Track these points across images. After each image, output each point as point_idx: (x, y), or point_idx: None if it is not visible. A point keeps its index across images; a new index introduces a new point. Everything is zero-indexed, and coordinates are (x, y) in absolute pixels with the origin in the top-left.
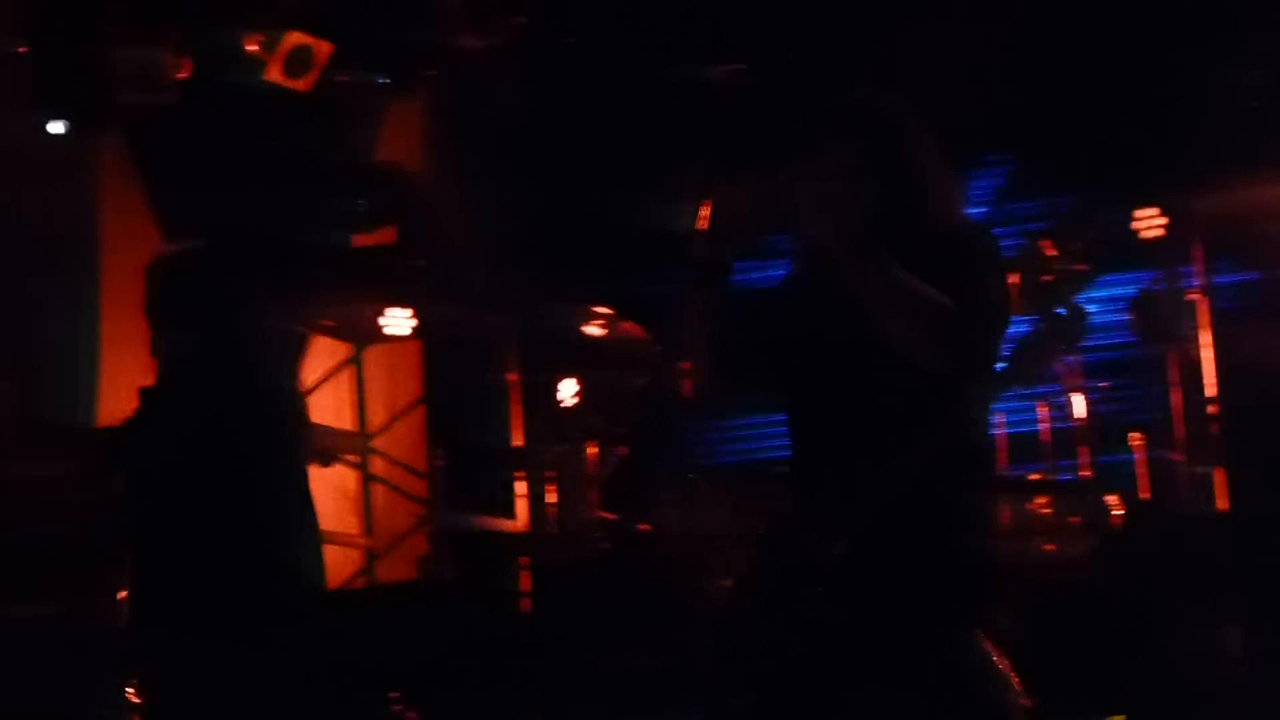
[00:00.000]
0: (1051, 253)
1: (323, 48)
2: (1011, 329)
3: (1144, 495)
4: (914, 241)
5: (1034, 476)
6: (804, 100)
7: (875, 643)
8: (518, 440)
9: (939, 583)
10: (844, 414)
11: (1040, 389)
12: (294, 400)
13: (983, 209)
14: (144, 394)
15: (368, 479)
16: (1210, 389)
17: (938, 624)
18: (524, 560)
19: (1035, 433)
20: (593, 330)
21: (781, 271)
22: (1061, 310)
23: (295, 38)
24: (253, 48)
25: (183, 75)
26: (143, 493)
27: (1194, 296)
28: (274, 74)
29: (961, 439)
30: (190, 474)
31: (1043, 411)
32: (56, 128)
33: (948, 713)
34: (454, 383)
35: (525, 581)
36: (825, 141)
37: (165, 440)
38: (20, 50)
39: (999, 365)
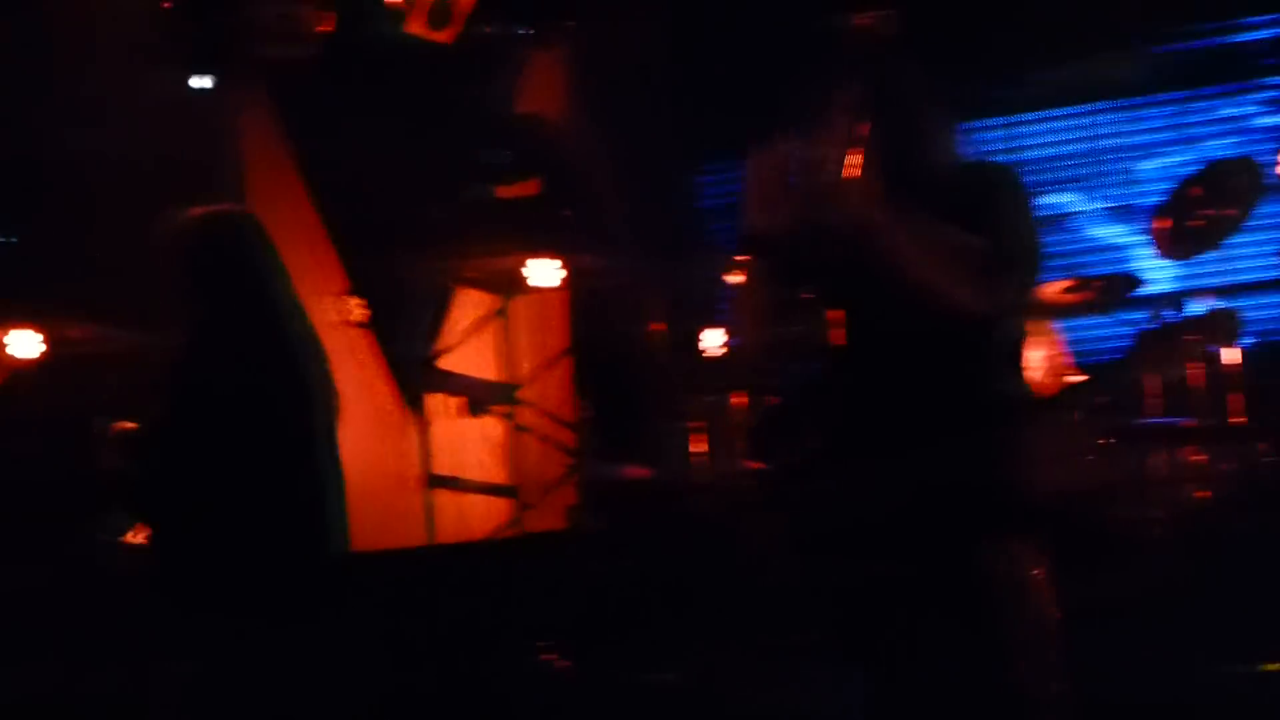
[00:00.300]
0: (1199, 196)
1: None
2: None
3: None
4: (935, 187)
5: (1186, 424)
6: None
7: (920, 568)
8: (665, 390)
9: (978, 507)
10: (881, 369)
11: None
12: (319, 371)
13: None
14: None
15: (516, 429)
16: None
17: (976, 541)
18: (672, 510)
19: (1187, 380)
20: (739, 279)
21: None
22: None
23: None
24: (395, 0)
25: (325, 29)
26: (161, 467)
27: None
28: (416, 26)
29: (998, 379)
30: (208, 447)
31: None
32: (201, 83)
33: (984, 624)
34: (601, 332)
35: (673, 531)
36: (840, 96)
37: (186, 420)
38: (165, 5)
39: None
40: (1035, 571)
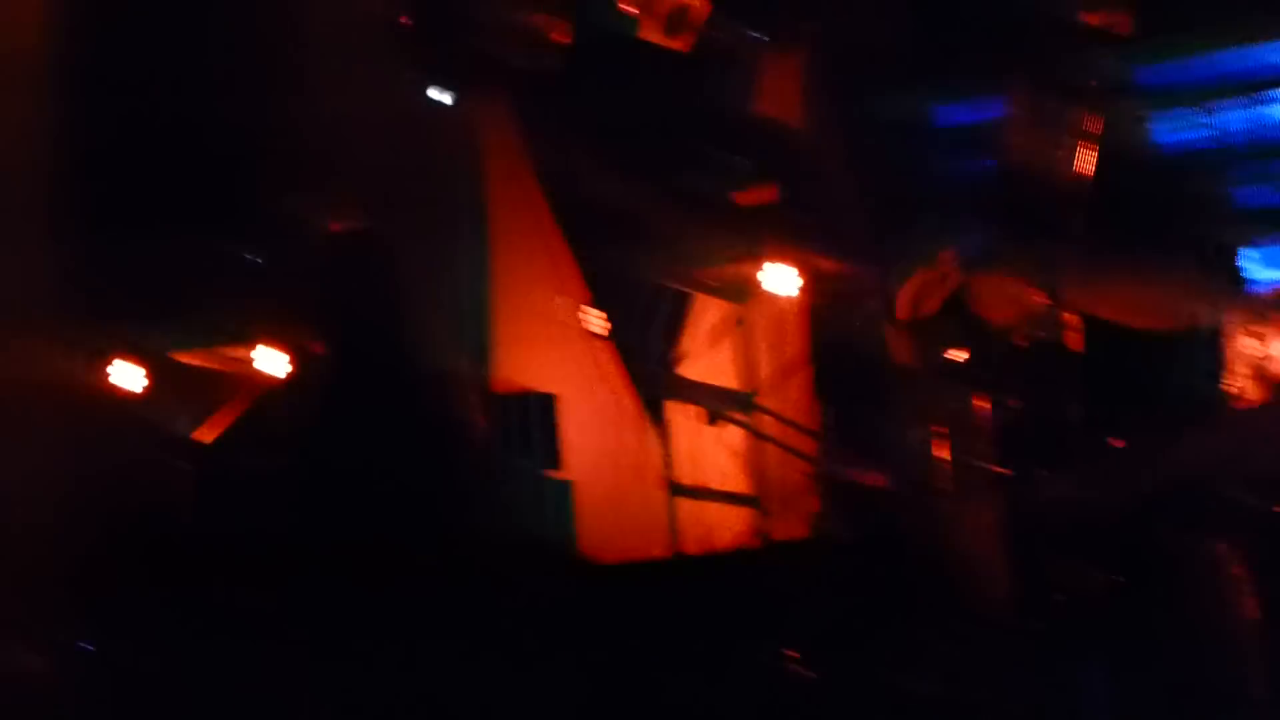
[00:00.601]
0: None
1: (701, 6)
2: None
3: None
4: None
5: None
6: None
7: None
8: (908, 394)
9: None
10: (1106, 373)
11: None
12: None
13: None
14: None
15: (756, 437)
16: None
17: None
18: (915, 514)
19: None
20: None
21: None
22: None
23: None
24: (631, 9)
25: (563, 39)
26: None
27: None
28: (652, 34)
29: (1204, 383)
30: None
31: None
32: (441, 96)
33: (1181, 614)
34: (840, 337)
35: (918, 535)
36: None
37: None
38: (403, 20)
39: None
40: (1237, 571)
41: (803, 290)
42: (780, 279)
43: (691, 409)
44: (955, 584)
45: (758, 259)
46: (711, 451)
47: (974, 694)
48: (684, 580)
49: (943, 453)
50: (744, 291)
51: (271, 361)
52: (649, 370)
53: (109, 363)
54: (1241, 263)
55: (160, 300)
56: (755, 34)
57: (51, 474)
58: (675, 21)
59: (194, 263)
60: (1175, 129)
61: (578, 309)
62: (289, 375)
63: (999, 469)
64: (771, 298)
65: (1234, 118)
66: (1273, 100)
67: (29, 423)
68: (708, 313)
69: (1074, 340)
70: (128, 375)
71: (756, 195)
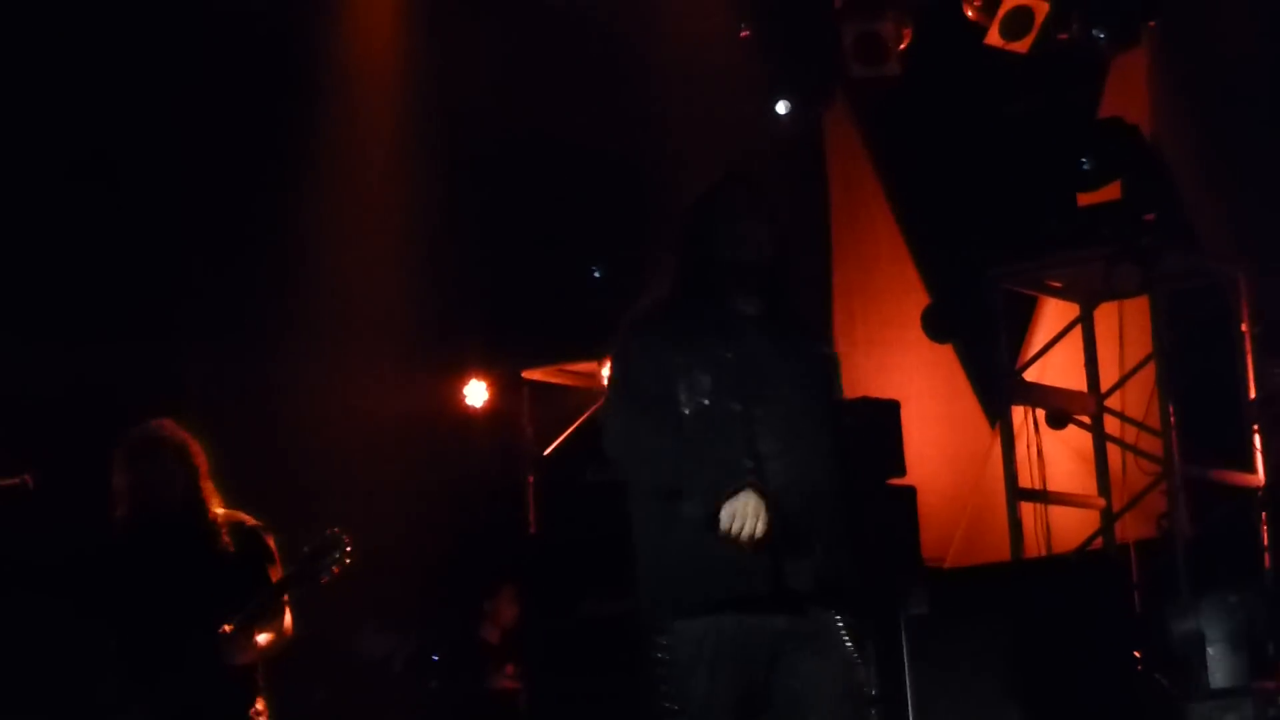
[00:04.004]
0: None
1: (1041, 7)
2: None
3: None
4: None
5: None
6: None
7: None
8: (1254, 392)
9: None
10: None
11: None
12: None
13: None
14: None
15: (1102, 438)
16: None
17: None
18: (1265, 515)
19: None
20: None
21: None
22: None
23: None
24: (972, 13)
25: (904, 45)
26: None
27: None
28: (993, 37)
29: None
30: None
31: None
32: (782, 107)
33: None
34: (1185, 336)
35: (1268, 535)
36: None
37: None
38: (744, 35)
39: None
40: None
41: (1148, 287)
42: (1126, 279)
43: (1035, 412)
44: None
45: (1103, 258)
46: (1055, 454)
47: None
48: (1030, 584)
49: None
50: (1089, 292)
51: None
52: (991, 374)
53: (465, 383)
54: None
55: (512, 319)
56: (1097, 33)
57: (413, 487)
58: (1015, 23)
59: (544, 281)
60: None
61: (919, 314)
62: None
63: None
64: (1116, 297)
65: None
66: None
67: (395, 441)
68: (1052, 314)
69: None
70: (478, 393)
71: (1100, 194)
